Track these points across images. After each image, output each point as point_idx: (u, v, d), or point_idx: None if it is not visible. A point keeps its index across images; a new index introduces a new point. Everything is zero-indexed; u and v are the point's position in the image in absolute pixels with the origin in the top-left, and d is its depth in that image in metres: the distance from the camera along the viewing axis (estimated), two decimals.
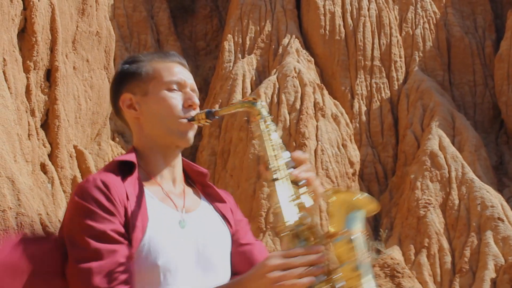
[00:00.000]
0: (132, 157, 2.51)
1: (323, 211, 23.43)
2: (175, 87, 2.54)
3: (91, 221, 2.34)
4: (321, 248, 2.23)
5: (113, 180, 2.41)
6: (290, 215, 2.29)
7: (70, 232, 2.38)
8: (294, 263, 2.19)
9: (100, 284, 2.29)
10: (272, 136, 2.44)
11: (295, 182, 2.35)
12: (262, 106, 2.47)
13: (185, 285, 2.41)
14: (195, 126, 2.54)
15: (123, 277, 2.31)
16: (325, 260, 2.23)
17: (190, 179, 2.67)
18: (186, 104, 2.53)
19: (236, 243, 2.60)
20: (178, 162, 2.61)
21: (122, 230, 2.36)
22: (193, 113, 2.53)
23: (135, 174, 2.48)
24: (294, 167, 2.39)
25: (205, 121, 2.51)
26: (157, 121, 2.53)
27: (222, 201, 2.65)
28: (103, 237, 2.33)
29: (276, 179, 2.34)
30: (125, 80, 2.59)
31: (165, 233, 2.40)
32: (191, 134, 2.55)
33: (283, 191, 2.33)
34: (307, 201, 2.33)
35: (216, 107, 26.79)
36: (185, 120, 2.52)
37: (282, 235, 2.31)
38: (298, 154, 2.44)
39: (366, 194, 2.30)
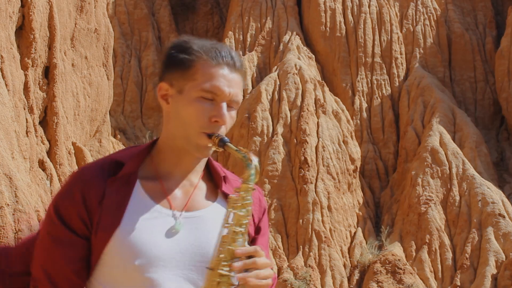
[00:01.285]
0: (130, 157, 2.49)
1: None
2: (209, 96, 2.43)
3: (52, 234, 2.42)
4: None
5: (91, 180, 2.42)
6: None
7: (45, 215, 2.48)
8: None
9: (39, 275, 2.42)
10: (241, 213, 2.37)
11: (228, 281, 2.30)
12: (254, 171, 2.40)
13: (166, 285, 2.38)
14: (210, 144, 2.45)
15: (69, 275, 2.39)
16: None
17: (214, 179, 2.62)
18: (213, 118, 2.43)
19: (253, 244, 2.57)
20: (196, 163, 2.55)
21: (85, 231, 2.40)
22: (217, 129, 2.43)
23: (125, 174, 2.46)
24: (241, 258, 2.32)
25: (216, 147, 2.43)
26: (180, 124, 2.46)
27: None
28: (61, 237, 2.40)
29: (211, 269, 2.31)
30: (169, 66, 2.51)
31: (144, 235, 2.38)
32: (210, 150, 2.47)
33: (211, 285, 2.30)
34: None
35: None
36: (205, 135, 2.43)
37: None
38: (251, 247, 2.36)
39: None
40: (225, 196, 2.57)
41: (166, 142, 2.52)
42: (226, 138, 2.42)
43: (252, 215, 2.59)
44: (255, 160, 2.41)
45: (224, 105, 2.45)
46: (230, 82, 2.46)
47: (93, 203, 2.39)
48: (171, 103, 2.49)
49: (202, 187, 2.56)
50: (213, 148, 2.45)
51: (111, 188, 2.42)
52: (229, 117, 2.48)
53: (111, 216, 2.38)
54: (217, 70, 2.46)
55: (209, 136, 2.43)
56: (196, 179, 2.55)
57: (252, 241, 2.58)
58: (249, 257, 2.33)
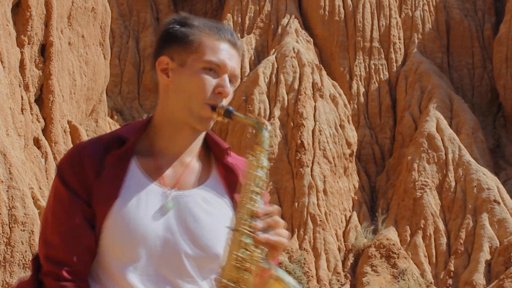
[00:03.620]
0: (130, 133, 2.48)
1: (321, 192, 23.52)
2: (213, 68, 2.45)
3: (58, 199, 2.40)
4: None
5: (91, 153, 2.42)
6: (229, 272, 2.28)
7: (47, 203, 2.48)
8: None
9: (50, 267, 2.36)
10: (258, 174, 2.37)
11: (254, 238, 2.29)
12: (268, 135, 2.40)
13: (155, 264, 2.39)
14: (214, 116, 2.45)
15: (74, 264, 2.34)
16: None
17: (214, 154, 2.60)
18: (217, 89, 2.44)
19: None
20: (193, 139, 2.54)
21: (86, 210, 2.38)
22: (219, 101, 2.44)
23: (125, 148, 2.45)
24: (263, 218, 2.32)
25: (222, 118, 2.43)
26: (183, 97, 2.45)
27: (237, 184, 2.55)
28: (64, 219, 2.37)
29: (236, 230, 2.30)
30: (169, 41, 2.51)
31: (137, 212, 2.38)
32: (211, 122, 2.47)
33: (237, 244, 2.29)
34: (254, 262, 2.29)
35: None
36: (209, 107, 2.43)
37: (216, 283, 2.30)
38: (271, 207, 2.36)
39: None
40: (225, 171, 2.57)
41: (164, 117, 2.52)
42: (231, 107, 2.44)
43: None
44: (267, 123, 2.42)
45: (227, 77, 2.47)
46: (231, 56, 2.49)
47: (91, 176, 2.39)
48: (171, 76, 2.48)
49: (195, 166, 2.55)
50: (219, 119, 2.45)
51: (109, 162, 2.42)
52: (231, 90, 2.50)
53: (109, 189, 2.38)
54: (219, 43, 2.48)
55: (213, 108, 2.43)
56: (189, 158, 2.54)
57: None
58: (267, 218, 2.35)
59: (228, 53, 2.48)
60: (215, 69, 2.45)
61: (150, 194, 2.42)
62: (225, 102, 2.46)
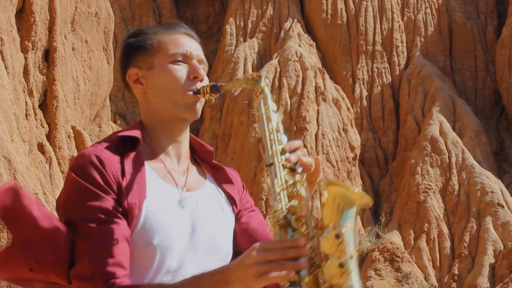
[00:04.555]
0: (137, 132, 2.47)
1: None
2: (180, 59, 2.49)
3: (86, 199, 2.32)
4: (307, 240, 2.18)
5: (109, 156, 2.38)
6: (281, 204, 2.25)
7: (66, 209, 2.36)
8: (278, 256, 2.14)
9: (94, 265, 2.27)
10: (272, 117, 2.38)
11: (291, 168, 2.29)
12: (266, 84, 2.41)
13: (183, 265, 2.38)
14: (202, 99, 2.49)
15: (117, 258, 2.28)
16: (311, 253, 2.18)
17: (198, 157, 2.63)
18: (191, 76, 2.48)
19: (239, 222, 2.57)
20: (185, 138, 2.56)
21: (118, 208, 2.32)
22: (199, 85, 2.48)
23: (137, 150, 2.44)
24: (291, 152, 2.33)
25: (210, 95, 2.46)
26: (163, 95, 2.48)
27: (230, 181, 2.61)
28: (98, 216, 2.30)
29: (271, 164, 2.30)
30: (130, 54, 2.54)
31: (163, 212, 2.37)
32: (199, 106, 2.50)
33: (277, 178, 2.27)
34: (301, 189, 2.27)
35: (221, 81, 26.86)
36: (190, 93, 2.46)
37: (271, 223, 2.26)
38: (294, 142, 2.37)
39: (359, 189, 2.25)
40: (213, 171, 2.60)
41: (152, 123, 2.53)
42: (214, 83, 2.46)
43: (238, 188, 2.63)
44: (259, 74, 2.44)
45: (196, 62, 2.51)
46: (193, 44, 2.54)
47: (118, 177, 2.35)
48: (145, 83, 2.51)
49: (193, 169, 2.57)
50: (206, 98, 2.48)
51: (127, 164, 2.40)
52: (204, 74, 2.53)
53: (136, 190, 2.36)
54: (178, 36, 2.53)
55: (196, 92, 2.47)
56: (187, 160, 2.56)
57: (240, 218, 2.59)
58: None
59: (189, 43, 2.53)
60: (183, 59, 2.49)
61: (168, 195, 2.42)
62: (203, 84, 2.49)
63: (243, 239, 2.54)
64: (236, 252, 2.52)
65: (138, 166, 2.41)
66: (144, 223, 2.34)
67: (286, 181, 2.27)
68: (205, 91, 2.46)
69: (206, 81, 2.53)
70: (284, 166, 2.30)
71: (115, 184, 2.35)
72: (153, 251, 2.35)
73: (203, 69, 2.53)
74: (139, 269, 2.36)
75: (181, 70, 2.49)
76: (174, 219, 2.39)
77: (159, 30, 2.55)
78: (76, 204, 2.34)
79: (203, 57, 2.56)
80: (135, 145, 2.45)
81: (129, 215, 2.33)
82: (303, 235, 2.20)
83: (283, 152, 2.32)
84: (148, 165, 2.45)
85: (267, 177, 2.31)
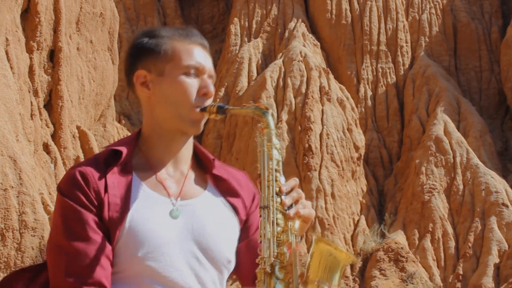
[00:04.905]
0: (123, 149, 2.46)
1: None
2: (192, 72, 2.46)
3: (67, 216, 2.35)
4: None
5: (92, 172, 2.38)
6: (270, 251, 2.26)
7: (52, 226, 2.42)
8: None
9: (71, 281, 2.29)
10: (273, 155, 2.38)
11: (284, 212, 2.31)
12: (272, 118, 2.40)
13: (175, 276, 2.37)
14: (206, 116, 2.47)
15: (95, 276, 2.29)
16: None
17: (202, 165, 2.61)
18: (201, 92, 2.46)
19: (245, 232, 2.56)
20: (184, 147, 2.54)
21: (99, 223, 2.34)
22: (206, 103, 2.46)
23: (126, 162, 2.43)
24: (287, 193, 2.34)
25: (215, 115, 2.44)
26: (169, 105, 2.46)
27: (233, 192, 2.58)
28: (79, 233, 2.32)
29: (266, 207, 2.31)
30: (142, 54, 2.51)
31: (150, 223, 2.36)
32: (202, 124, 2.49)
33: (270, 223, 2.28)
34: (291, 237, 2.29)
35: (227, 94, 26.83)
36: (198, 109, 2.44)
37: (257, 269, 2.27)
38: (291, 181, 2.38)
39: (345, 248, 2.25)
40: (216, 180, 2.58)
41: (152, 130, 2.51)
42: (222, 104, 2.46)
43: (242, 198, 2.60)
44: (267, 106, 2.44)
45: (207, 78, 2.50)
46: (206, 58, 2.52)
47: (99, 193, 2.36)
48: (152, 88, 2.49)
49: (192, 176, 2.55)
50: (211, 117, 2.47)
51: (112, 179, 2.40)
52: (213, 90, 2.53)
53: (118, 204, 2.37)
54: (192, 47, 2.50)
55: (202, 109, 2.45)
56: (185, 168, 2.54)
57: (247, 227, 2.58)
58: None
59: (202, 55, 2.51)
60: (195, 73, 2.47)
61: (158, 205, 2.42)
62: (210, 101, 2.48)
63: (248, 249, 2.53)
64: (238, 263, 2.53)
65: (124, 179, 2.41)
66: (128, 236, 2.34)
67: (278, 225, 2.28)
68: (211, 111, 2.45)
69: (211, 99, 2.52)
70: (278, 210, 2.30)
71: (97, 200, 2.35)
72: (139, 263, 2.34)
73: (212, 84, 2.52)
74: (126, 280, 2.36)
75: (192, 85, 2.47)
76: (163, 230, 2.38)
77: (175, 36, 2.52)
78: (57, 222, 2.37)
79: (213, 71, 2.55)
80: (120, 157, 2.45)
81: (111, 229, 2.34)
82: (286, 286, 2.23)
83: (279, 193, 2.33)
84: (138, 176, 2.45)
85: (260, 217, 2.31)
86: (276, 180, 2.35)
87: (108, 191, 2.37)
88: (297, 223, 2.32)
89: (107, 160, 2.44)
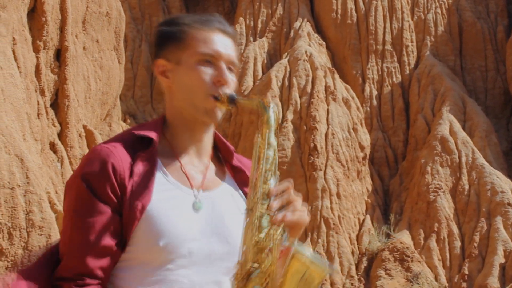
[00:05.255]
0: (153, 134, 2.45)
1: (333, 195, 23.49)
2: (208, 59, 2.45)
3: (81, 206, 2.35)
4: None
5: (119, 155, 2.37)
6: (249, 256, 2.25)
7: (66, 196, 2.40)
8: None
9: (73, 259, 2.32)
10: (268, 155, 2.34)
11: (271, 219, 2.26)
12: (274, 114, 2.37)
13: (196, 267, 2.37)
14: (219, 105, 2.45)
15: (90, 265, 2.30)
16: None
17: (221, 156, 2.61)
18: (215, 79, 2.45)
19: None
20: (206, 137, 2.53)
21: (114, 217, 2.33)
22: (221, 90, 2.44)
23: (152, 150, 2.42)
24: (276, 196, 2.29)
25: (227, 105, 2.43)
26: (185, 94, 2.45)
27: (247, 181, 2.53)
28: (94, 211, 2.32)
29: (251, 210, 2.28)
30: (161, 43, 2.51)
31: (172, 214, 2.35)
32: (218, 113, 2.47)
33: (254, 226, 2.26)
34: (274, 242, 2.25)
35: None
36: (212, 97, 2.43)
37: (232, 274, 2.26)
38: (282, 185, 2.33)
39: (322, 261, 2.22)
40: (234, 171, 2.58)
41: (174, 118, 2.51)
42: (234, 94, 2.44)
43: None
44: (271, 102, 2.40)
45: (224, 65, 2.47)
46: (225, 45, 2.49)
47: (124, 179, 2.35)
48: (171, 77, 2.49)
49: (213, 167, 2.55)
50: (224, 108, 2.45)
51: (138, 164, 2.38)
52: (231, 78, 2.49)
53: (141, 193, 2.35)
54: (210, 34, 2.48)
55: (216, 98, 2.43)
56: (206, 159, 2.53)
57: None
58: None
59: (221, 42, 2.48)
60: (211, 60, 2.45)
61: (180, 196, 2.41)
62: (228, 90, 2.46)
63: None
64: None
65: (149, 167, 2.40)
66: (148, 225, 2.33)
67: (261, 229, 2.24)
68: (223, 100, 2.43)
69: (233, 85, 2.49)
70: (263, 213, 2.26)
71: (120, 189, 2.34)
72: (159, 253, 2.33)
73: (231, 71, 2.50)
74: (146, 268, 2.35)
75: (206, 72, 2.45)
76: (185, 221, 2.37)
77: (194, 23, 2.50)
78: (74, 205, 2.36)
79: (233, 56, 2.51)
80: (150, 144, 2.43)
81: (131, 217, 2.33)
82: None
83: (267, 196, 2.29)
84: (163, 165, 2.44)
85: (244, 221, 2.28)
86: (265, 182, 2.30)
87: (132, 177, 2.36)
88: (281, 230, 2.26)
89: (134, 144, 2.42)
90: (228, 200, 2.50)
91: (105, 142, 2.44)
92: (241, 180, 2.58)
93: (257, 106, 2.40)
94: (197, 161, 2.51)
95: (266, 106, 2.38)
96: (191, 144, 2.51)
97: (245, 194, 2.53)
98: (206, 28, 2.49)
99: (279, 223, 2.26)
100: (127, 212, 2.34)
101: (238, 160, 2.63)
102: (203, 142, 2.53)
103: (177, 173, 2.45)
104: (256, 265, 2.23)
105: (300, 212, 2.32)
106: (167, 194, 2.39)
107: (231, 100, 2.43)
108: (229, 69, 2.51)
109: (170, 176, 2.43)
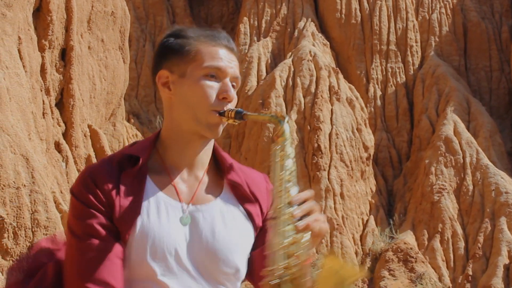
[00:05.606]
0: (141, 151, 2.45)
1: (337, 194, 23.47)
2: (213, 74, 2.44)
3: (78, 216, 2.36)
4: None
5: (103, 174, 2.39)
6: (278, 262, 2.23)
7: (66, 226, 2.43)
8: None
9: (82, 281, 2.30)
10: (286, 166, 2.34)
11: (294, 223, 2.27)
12: (288, 126, 2.36)
13: (183, 281, 2.37)
14: (224, 120, 2.44)
15: (102, 276, 2.29)
16: None
17: (220, 170, 2.58)
18: (220, 95, 2.43)
19: (261, 237, 2.53)
20: (203, 151, 2.51)
21: (110, 225, 2.34)
22: (226, 107, 2.43)
23: (140, 166, 2.42)
24: (299, 204, 2.29)
25: (233, 120, 2.41)
26: (188, 107, 2.43)
27: (248, 198, 2.55)
28: (90, 233, 2.33)
29: (276, 218, 2.28)
30: (166, 54, 2.50)
31: (159, 229, 2.36)
32: (220, 128, 2.46)
33: (280, 233, 2.25)
34: (300, 248, 2.26)
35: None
36: (216, 113, 2.42)
37: (262, 282, 2.25)
38: (303, 194, 2.33)
39: (355, 265, 2.23)
40: (232, 186, 2.55)
41: (171, 131, 2.50)
42: (240, 109, 2.42)
43: (260, 204, 2.58)
44: (284, 114, 2.43)
45: (229, 81, 2.46)
46: (230, 61, 2.48)
47: (110, 195, 2.36)
48: (173, 89, 2.47)
49: (206, 181, 2.53)
50: (229, 122, 2.44)
51: (125, 182, 2.39)
52: (235, 95, 2.49)
53: (129, 207, 2.36)
54: (216, 49, 2.47)
55: (220, 113, 2.42)
56: (201, 172, 2.52)
57: (263, 233, 2.54)
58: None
59: (227, 58, 2.47)
60: (216, 75, 2.44)
61: (169, 210, 2.41)
62: (230, 106, 2.45)
63: (260, 256, 2.48)
64: (253, 270, 2.50)
65: (137, 182, 2.40)
66: (137, 240, 2.34)
67: (287, 237, 2.25)
68: (229, 115, 2.41)
69: (235, 101, 2.48)
70: (288, 221, 2.26)
71: (107, 202, 2.35)
72: (146, 266, 2.34)
73: (234, 87, 2.49)
74: (132, 281, 2.35)
75: (211, 87, 2.44)
76: (173, 235, 2.37)
77: (200, 37, 2.49)
78: (70, 220, 2.38)
79: (237, 73, 2.51)
80: (136, 162, 2.44)
81: (121, 232, 2.34)
82: None
83: (290, 204, 2.28)
84: (152, 180, 2.44)
85: (271, 228, 2.29)
86: (287, 191, 2.30)
87: (120, 193, 2.36)
88: (307, 236, 2.28)
89: (121, 162, 2.43)
90: (221, 215, 2.47)
91: (94, 163, 2.48)
92: (239, 194, 2.56)
93: (270, 120, 2.38)
94: (189, 175, 2.50)
95: (281, 119, 2.36)
96: (183, 159, 2.49)
97: (245, 208, 2.53)
98: (213, 42, 2.49)
99: (303, 230, 2.26)
100: (118, 225, 2.35)
101: (240, 172, 2.60)
102: (199, 156, 2.51)
103: (166, 188, 2.44)
104: (286, 271, 2.22)
105: (322, 221, 2.32)
106: (155, 209, 2.39)
107: (239, 115, 2.42)
108: (232, 85, 2.50)
109: (159, 190, 2.43)
